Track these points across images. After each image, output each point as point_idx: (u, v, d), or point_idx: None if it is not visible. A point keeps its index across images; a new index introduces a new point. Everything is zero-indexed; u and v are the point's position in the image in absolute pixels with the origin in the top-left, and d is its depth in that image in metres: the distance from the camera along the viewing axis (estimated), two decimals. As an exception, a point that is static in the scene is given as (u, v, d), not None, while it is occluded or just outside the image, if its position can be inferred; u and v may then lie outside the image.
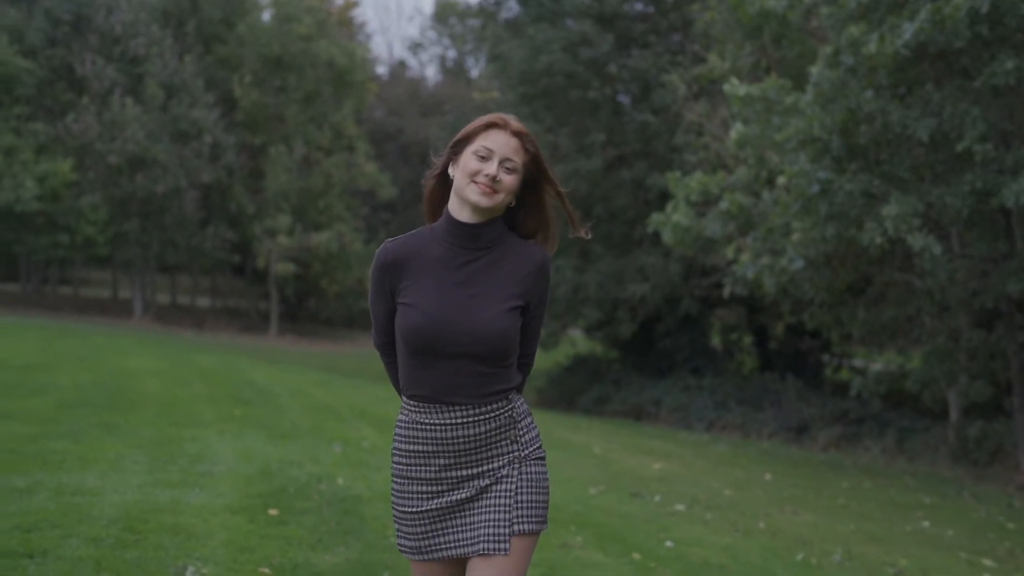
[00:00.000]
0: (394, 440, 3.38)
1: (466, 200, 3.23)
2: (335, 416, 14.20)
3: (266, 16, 44.29)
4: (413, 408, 3.30)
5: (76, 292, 45.63)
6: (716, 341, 28.12)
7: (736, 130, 15.02)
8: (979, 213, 14.10)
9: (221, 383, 16.81)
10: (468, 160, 3.23)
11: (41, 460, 8.61)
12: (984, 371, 16.58)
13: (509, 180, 3.24)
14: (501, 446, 3.29)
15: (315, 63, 41.42)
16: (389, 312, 3.34)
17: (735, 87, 14.83)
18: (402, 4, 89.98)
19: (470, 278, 3.24)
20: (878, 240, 13.04)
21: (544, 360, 30.55)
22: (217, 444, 10.32)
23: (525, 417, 3.36)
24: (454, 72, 62.19)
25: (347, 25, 54.74)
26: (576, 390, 26.88)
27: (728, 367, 26.21)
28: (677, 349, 25.95)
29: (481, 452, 3.28)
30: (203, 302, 48.45)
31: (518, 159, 3.26)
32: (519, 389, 3.39)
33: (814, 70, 13.86)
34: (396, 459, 3.36)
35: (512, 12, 29.72)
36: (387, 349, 3.51)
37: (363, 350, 38.52)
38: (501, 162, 3.22)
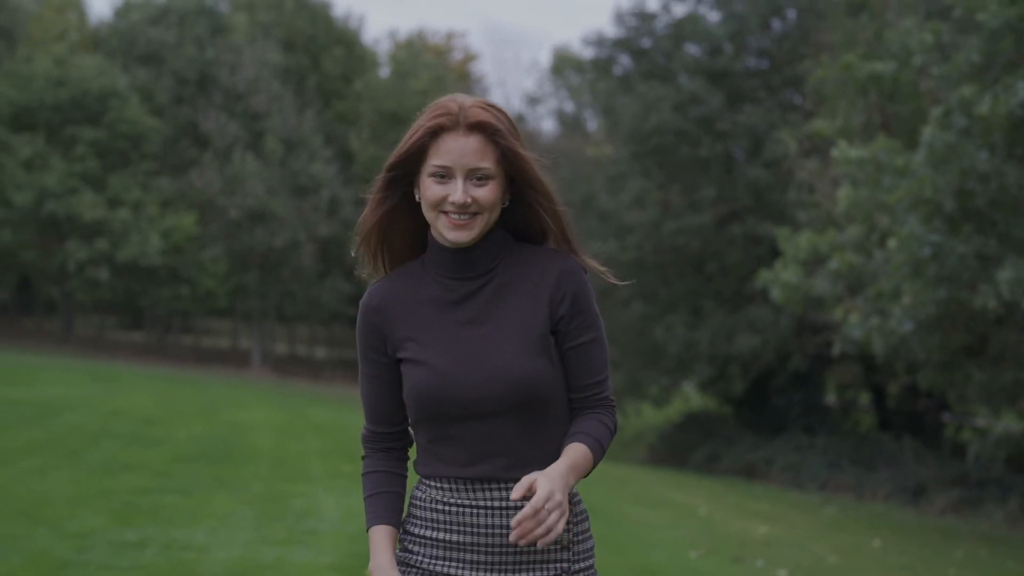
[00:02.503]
0: (406, 524, 2.63)
1: (440, 237, 2.52)
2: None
3: (384, 72, 45.18)
4: (434, 485, 2.54)
5: (197, 342, 46.78)
6: (831, 399, 27.73)
7: (845, 192, 14.92)
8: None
9: (333, 437, 17.11)
10: (426, 185, 2.48)
11: (153, 514, 8.88)
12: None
13: (485, 194, 2.46)
14: (547, 551, 2.53)
15: (431, 118, 42.05)
16: (385, 381, 2.59)
17: (844, 150, 14.75)
18: (520, 57, 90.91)
19: (476, 314, 2.53)
20: (992, 304, 12.81)
21: (656, 416, 30.44)
22: (324, 501, 10.52)
23: (582, 521, 2.58)
24: (570, 126, 62.61)
25: (465, 79, 55.55)
26: (687, 447, 26.68)
27: (843, 426, 25.80)
28: (790, 406, 25.64)
29: (520, 556, 2.51)
30: (320, 352, 49.25)
31: (489, 161, 2.46)
32: (596, 449, 2.53)
33: (926, 131, 13.72)
34: (410, 548, 2.61)
35: (624, 68, 29.91)
36: (380, 442, 2.65)
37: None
38: (467, 177, 2.45)
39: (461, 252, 2.54)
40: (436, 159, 2.46)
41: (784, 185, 23.87)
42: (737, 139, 25.58)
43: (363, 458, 2.68)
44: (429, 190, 2.47)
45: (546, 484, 2.28)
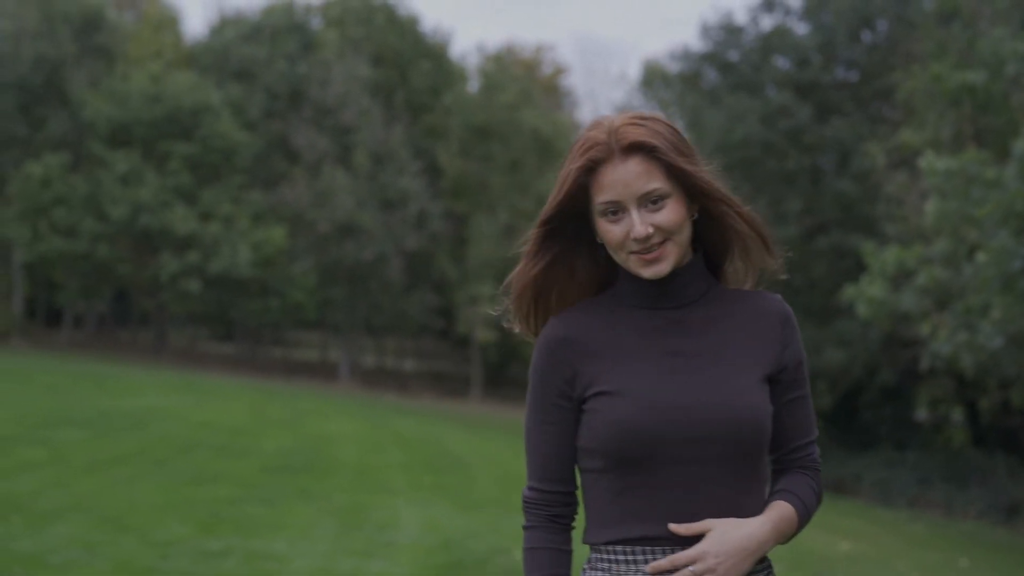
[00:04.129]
0: None
1: (637, 274, 2.22)
2: (519, 485, 14.39)
3: (473, 86, 45.46)
4: (621, 555, 2.16)
5: (286, 354, 47.40)
6: (923, 414, 27.30)
7: (933, 205, 14.72)
8: None
9: (416, 450, 17.25)
10: (602, 227, 2.22)
11: (237, 524, 9.06)
12: None
13: (666, 217, 2.17)
14: None
15: (520, 132, 42.22)
16: (566, 430, 2.23)
17: (932, 161, 14.55)
18: (610, 69, 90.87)
19: (688, 345, 2.22)
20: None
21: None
22: (404, 513, 10.63)
23: None
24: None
25: (554, 92, 55.67)
26: (772, 462, 26.40)
27: (935, 441, 25.39)
28: (880, 421, 25.31)
29: None
30: (408, 364, 49.63)
31: (658, 180, 2.18)
32: (802, 514, 2.25)
33: (1018, 143, 13.50)
34: None
35: (712, 81, 29.80)
36: (550, 506, 2.25)
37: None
38: (640, 205, 2.17)
39: (665, 282, 2.24)
40: (601, 196, 2.19)
41: (872, 198, 23.60)
42: (825, 151, 25.34)
43: (526, 528, 2.27)
44: (607, 233, 2.20)
45: (708, 544, 2.06)
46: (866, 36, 27.77)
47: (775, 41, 27.68)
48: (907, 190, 19.85)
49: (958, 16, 19.96)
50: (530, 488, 2.26)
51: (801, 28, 28.50)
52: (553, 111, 46.04)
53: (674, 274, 2.22)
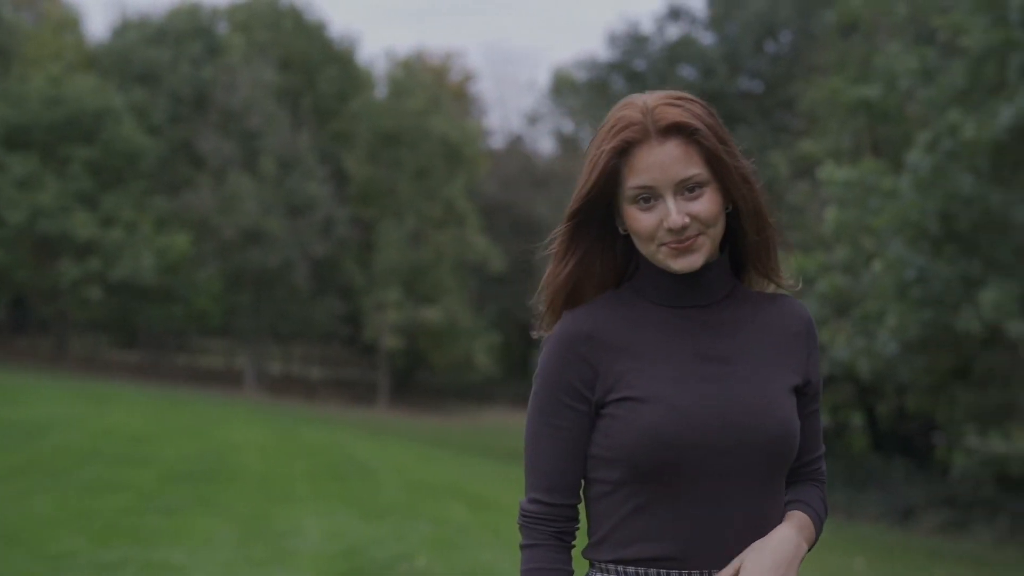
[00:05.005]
0: None
1: (666, 269, 2.05)
2: (430, 493, 14.37)
3: (381, 92, 45.32)
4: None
5: (191, 361, 46.77)
6: (825, 420, 27.76)
7: (832, 214, 15.00)
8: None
9: (321, 457, 17.12)
10: (631, 216, 2.03)
11: (134, 535, 8.91)
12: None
13: (704, 206, 2.00)
14: None
15: (428, 138, 42.18)
16: (579, 436, 2.05)
17: (832, 171, 14.83)
18: (519, 76, 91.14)
19: (716, 346, 2.07)
20: (975, 326, 12.88)
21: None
22: (307, 521, 10.55)
23: None
24: (568, 146, 62.84)
25: (463, 99, 55.68)
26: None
27: (836, 447, 25.81)
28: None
29: None
30: (315, 372, 49.25)
31: (697, 165, 2.00)
32: (816, 525, 2.14)
33: (912, 154, 13.81)
34: None
35: (619, 90, 30.05)
36: (553, 521, 2.06)
37: (472, 423, 38.74)
38: (676, 192, 2.00)
39: (692, 277, 2.07)
40: (634, 179, 2.00)
41: (776, 207, 23.92)
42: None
43: (526, 547, 2.06)
44: (637, 221, 2.02)
45: (750, 566, 1.95)
46: (770, 47, 28.25)
47: (681, 51, 28.03)
48: (809, 199, 20.20)
49: (858, 29, 20.39)
50: (532, 500, 2.05)
51: (707, 38, 28.90)
52: (462, 118, 46.06)
53: (703, 270, 2.06)
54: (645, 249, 2.04)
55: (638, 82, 28.43)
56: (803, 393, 2.10)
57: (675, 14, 28.79)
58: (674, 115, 1.99)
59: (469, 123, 45.92)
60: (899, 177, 14.45)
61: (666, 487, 1.96)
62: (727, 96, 26.68)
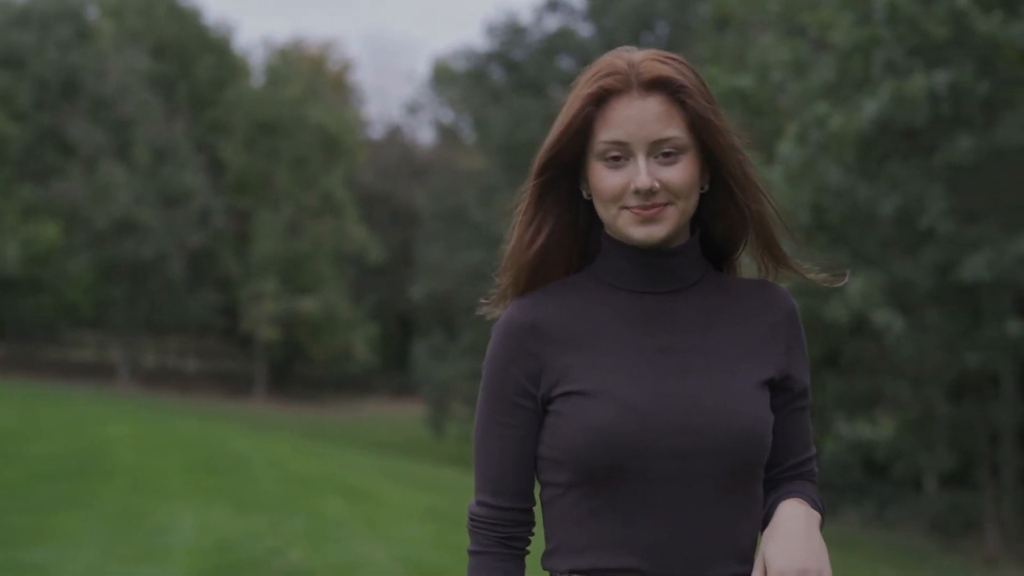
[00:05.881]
0: None
1: (625, 237, 1.85)
2: (307, 486, 14.25)
3: (258, 80, 44.74)
4: None
5: (61, 355, 45.62)
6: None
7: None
8: (945, 288, 14.27)
9: (196, 451, 16.85)
10: (596, 173, 1.83)
11: (-2, 534, 8.67)
12: (956, 442, 16.68)
13: (677, 174, 1.81)
14: None
15: (306, 127, 41.77)
16: (527, 435, 1.87)
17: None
18: (399, 66, 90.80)
19: (677, 337, 1.86)
20: (843, 315, 13.19)
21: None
22: (180, 516, 10.38)
23: None
24: (448, 136, 62.78)
25: (342, 88, 55.23)
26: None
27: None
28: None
29: None
30: (191, 364, 48.47)
31: (677, 128, 1.81)
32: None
33: (783, 147, 14.08)
34: None
35: (498, 80, 30.10)
36: (502, 526, 1.90)
37: (351, 414, 38.56)
38: (649, 152, 1.80)
39: (651, 257, 1.86)
40: (606, 132, 1.81)
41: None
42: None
43: (472, 552, 1.90)
44: (601, 180, 1.82)
45: (773, 560, 1.74)
46: (647, 39, 28.53)
47: (559, 42, 28.20)
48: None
49: (732, 23, 20.73)
50: (479, 503, 1.89)
51: (585, 30, 29.10)
52: (340, 107, 45.69)
53: (668, 252, 1.86)
54: (605, 213, 1.84)
55: (517, 72, 28.52)
56: (783, 389, 1.89)
57: (553, 5, 28.95)
58: (661, 70, 1.81)
59: (347, 112, 45.59)
60: (771, 169, 14.72)
61: (619, 491, 1.78)
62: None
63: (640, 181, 1.77)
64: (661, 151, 1.79)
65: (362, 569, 8.68)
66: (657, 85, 1.80)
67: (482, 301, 2.01)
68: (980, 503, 16.85)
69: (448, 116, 56.91)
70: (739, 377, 1.83)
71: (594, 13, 28.76)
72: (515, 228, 1.93)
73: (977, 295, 14.67)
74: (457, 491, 17.20)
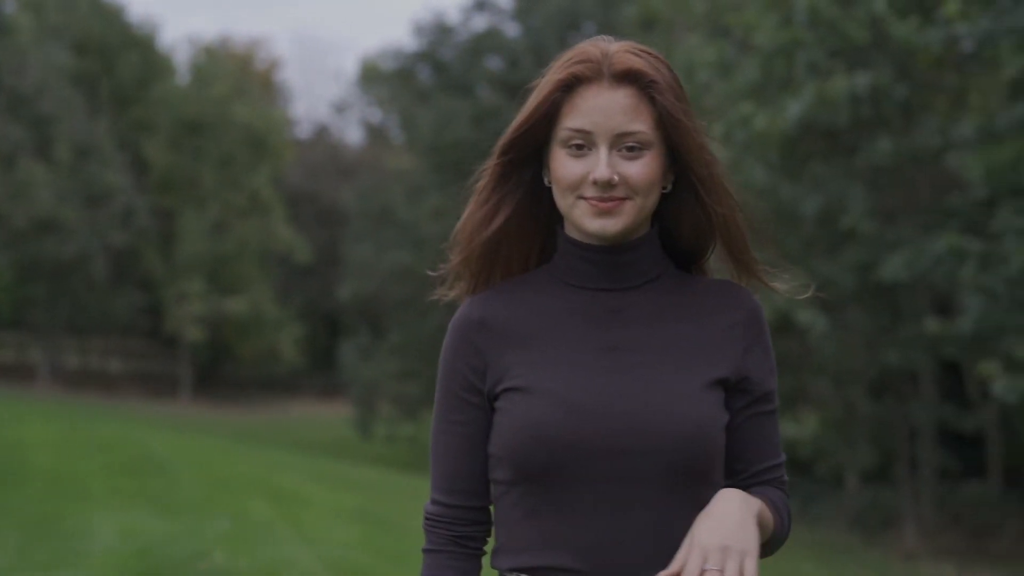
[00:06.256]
0: None
1: (579, 228, 1.83)
2: (230, 487, 14.10)
3: (183, 78, 44.28)
4: None
5: (-20, 356, 44.78)
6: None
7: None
8: (865, 287, 14.47)
9: (117, 454, 16.60)
10: (557, 160, 1.81)
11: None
12: (877, 440, 16.93)
13: (639, 170, 1.78)
14: None
15: (232, 126, 41.42)
16: (476, 433, 1.85)
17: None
18: (327, 65, 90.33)
19: (624, 338, 1.82)
20: (768, 314, 13.32)
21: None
22: (99, 520, 10.21)
23: None
24: (376, 135, 62.58)
25: (269, 87, 54.81)
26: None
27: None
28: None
29: None
30: (114, 365, 47.82)
31: (643, 123, 1.79)
32: (778, 523, 1.85)
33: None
34: None
35: (426, 80, 30.04)
36: (455, 525, 1.88)
37: (278, 415, 38.28)
38: (612, 145, 1.78)
39: (605, 253, 1.83)
40: (571, 120, 1.79)
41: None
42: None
43: (425, 551, 1.89)
44: (562, 167, 1.79)
45: (699, 536, 1.66)
46: (574, 39, 28.59)
47: (487, 41, 28.21)
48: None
49: (658, 23, 20.85)
50: (433, 502, 1.88)
51: (512, 29, 29.13)
52: (267, 106, 45.39)
53: (623, 247, 1.83)
54: (563, 201, 1.81)
55: (444, 72, 28.48)
56: (741, 390, 1.83)
57: (481, 5, 28.95)
58: (633, 62, 1.79)
59: (274, 112, 45.30)
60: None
61: (556, 490, 1.75)
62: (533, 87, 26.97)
63: (599, 172, 1.75)
64: (625, 144, 1.78)
65: (287, 571, 8.60)
66: (628, 77, 1.79)
67: (431, 274, 1.97)
68: (899, 499, 17.10)
69: (376, 116, 56.74)
70: (687, 376, 1.79)
71: (521, 13, 28.80)
72: (470, 204, 1.91)
73: (896, 294, 14.90)
74: (384, 492, 17.13)
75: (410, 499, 16.27)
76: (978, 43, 11.01)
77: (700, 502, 1.74)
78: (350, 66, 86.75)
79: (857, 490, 18.62)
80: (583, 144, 1.78)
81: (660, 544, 1.74)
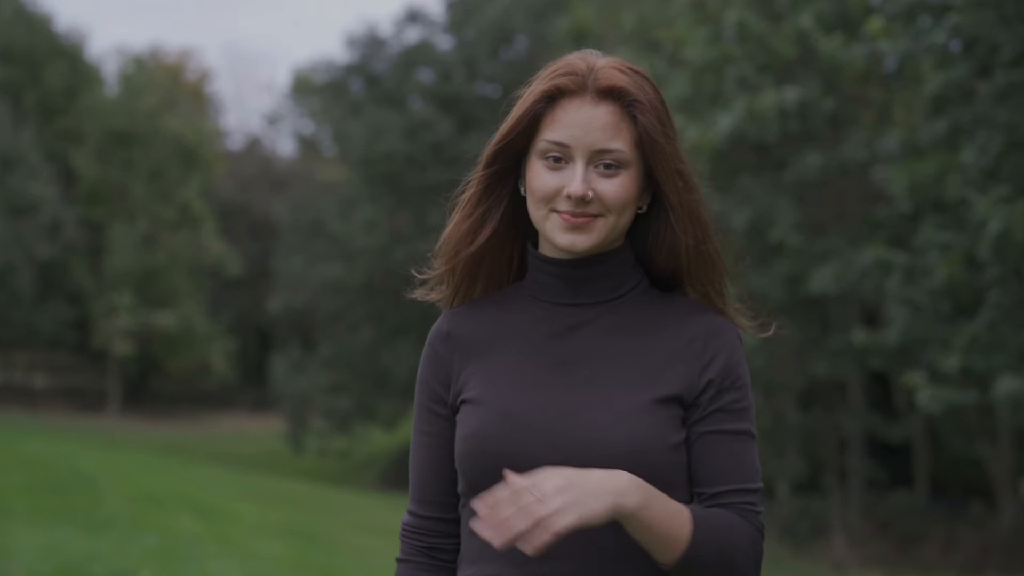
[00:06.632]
0: None
1: (550, 240, 1.83)
2: (158, 504, 13.92)
3: (112, 89, 43.79)
4: None
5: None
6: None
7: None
8: (794, 299, 14.62)
9: (41, 470, 16.32)
10: (534, 171, 1.81)
11: None
12: (806, 450, 17.09)
13: (614, 189, 1.78)
14: None
15: (162, 138, 41.01)
16: (443, 444, 1.86)
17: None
18: (258, 76, 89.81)
19: (578, 353, 1.81)
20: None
21: (388, 441, 30.34)
22: (20, 539, 10.01)
23: None
24: (308, 147, 62.23)
25: (199, 98, 54.37)
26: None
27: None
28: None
29: None
30: (39, 380, 47.06)
31: (622, 141, 1.78)
32: (700, 529, 1.70)
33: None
34: None
35: (358, 92, 29.93)
36: (425, 535, 1.89)
37: (208, 430, 37.87)
38: (589, 161, 1.77)
39: (571, 268, 1.82)
40: (550, 132, 1.78)
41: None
42: (466, 165, 25.93)
43: (398, 560, 1.90)
44: (538, 178, 1.79)
45: (544, 474, 1.61)
46: (506, 52, 28.68)
47: (419, 54, 28.17)
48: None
49: (588, 38, 20.96)
50: (408, 511, 1.89)
51: (445, 42, 29.12)
52: (198, 117, 44.99)
53: (589, 263, 1.82)
54: (536, 212, 1.81)
55: (376, 85, 28.40)
56: (695, 406, 1.76)
57: (413, 17, 28.92)
58: (617, 79, 1.78)
59: (205, 123, 44.91)
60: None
61: None
62: (465, 100, 26.95)
63: (573, 187, 1.75)
64: (602, 161, 1.77)
65: (213, 588, 8.51)
66: (611, 94, 1.78)
67: (415, 275, 1.95)
68: (828, 508, 17.28)
69: (308, 128, 56.49)
70: (633, 393, 1.75)
71: (454, 26, 28.80)
72: (456, 214, 1.91)
73: (825, 306, 15.07)
74: (315, 507, 17.00)
75: (340, 514, 16.16)
76: (900, 60, 11.18)
77: None
78: (282, 78, 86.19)
79: (787, 500, 18.79)
80: (561, 157, 1.78)
81: (589, 557, 1.71)
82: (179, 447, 30.38)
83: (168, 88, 42.83)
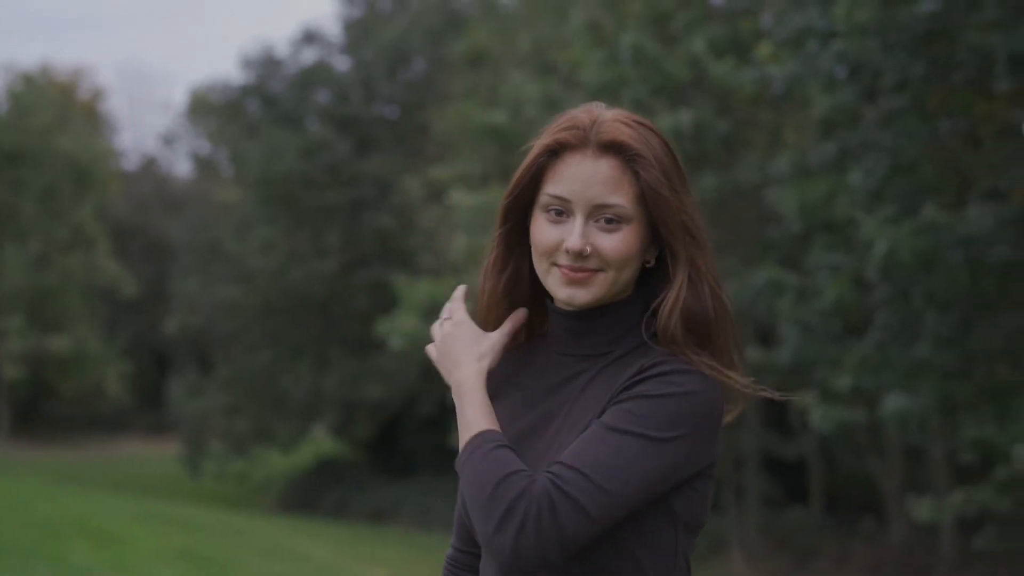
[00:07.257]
0: None
1: (552, 293, 1.86)
2: (51, 531, 13.61)
3: (1, 108, 42.86)
4: None
5: None
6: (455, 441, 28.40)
7: (460, 240, 15.39)
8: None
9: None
10: (537, 225, 1.83)
11: None
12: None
13: (613, 244, 1.78)
14: None
15: (54, 157, 40.24)
16: None
17: (460, 197, 15.22)
18: (154, 96, 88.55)
19: (564, 405, 1.84)
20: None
21: (286, 463, 30.09)
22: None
23: None
24: (204, 168, 61.48)
25: (93, 117, 53.45)
26: (318, 493, 26.56)
27: (470, 466, 26.42)
28: (419, 450, 26.06)
29: None
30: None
31: (623, 196, 1.79)
32: (469, 448, 1.81)
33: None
34: None
35: (254, 113, 29.66)
36: (458, 567, 2.01)
37: (104, 454, 37.15)
38: (589, 216, 1.79)
39: (576, 319, 1.84)
40: (552, 186, 1.80)
41: (409, 232, 24.35)
42: (364, 185, 25.88)
43: None
44: (540, 232, 1.81)
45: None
46: (404, 74, 28.67)
47: (316, 75, 28.06)
48: (440, 224, 20.63)
49: (486, 60, 21.07)
50: (451, 545, 2.01)
51: (342, 63, 29.03)
52: (92, 137, 44.24)
53: (589, 316, 1.83)
54: (538, 266, 1.84)
55: (273, 106, 28.20)
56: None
57: (310, 38, 28.78)
58: (620, 133, 1.79)
59: (99, 142, 44.15)
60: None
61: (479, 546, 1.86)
62: (363, 121, 26.90)
63: (571, 242, 1.77)
64: (602, 216, 1.78)
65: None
66: (613, 148, 1.79)
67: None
68: (726, 525, 17.49)
69: (205, 148, 55.79)
70: (563, 447, 1.78)
71: (351, 47, 28.73)
72: (485, 278, 1.94)
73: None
74: (212, 531, 16.76)
75: (237, 538, 15.96)
76: (788, 84, 11.43)
77: (604, 569, 1.76)
78: (179, 97, 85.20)
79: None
80: (562, 211, 1.80)
81: None
82: (72, 473, 29.75)
83: (60, 106, 42.04)
